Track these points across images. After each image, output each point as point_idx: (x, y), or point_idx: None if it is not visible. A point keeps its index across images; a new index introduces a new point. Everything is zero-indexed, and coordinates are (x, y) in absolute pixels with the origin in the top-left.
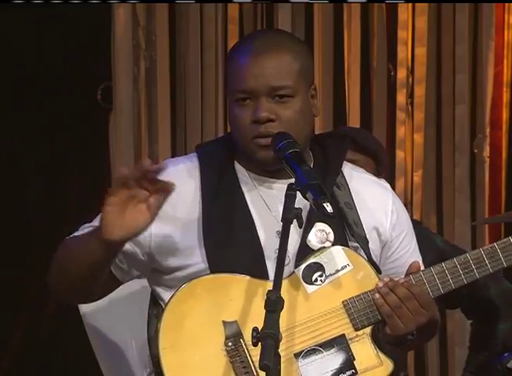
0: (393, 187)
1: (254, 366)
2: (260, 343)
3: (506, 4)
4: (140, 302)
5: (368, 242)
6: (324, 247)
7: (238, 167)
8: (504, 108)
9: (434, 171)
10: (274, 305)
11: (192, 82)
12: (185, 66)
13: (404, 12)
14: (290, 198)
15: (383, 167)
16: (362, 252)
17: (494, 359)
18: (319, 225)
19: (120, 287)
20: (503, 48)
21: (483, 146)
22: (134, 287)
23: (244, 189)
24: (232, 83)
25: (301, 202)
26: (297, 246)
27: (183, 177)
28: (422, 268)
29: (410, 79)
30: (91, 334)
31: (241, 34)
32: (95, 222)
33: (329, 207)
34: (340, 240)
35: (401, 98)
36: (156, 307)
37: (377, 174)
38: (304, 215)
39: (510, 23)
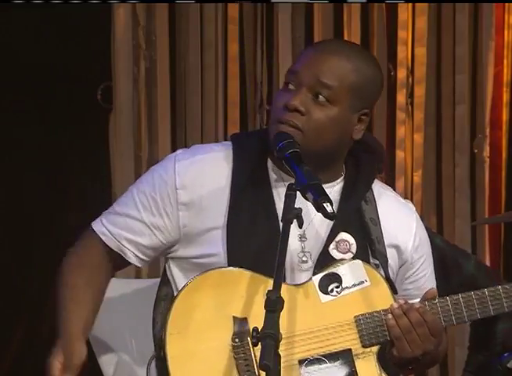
0: (393, 187)
1: (257, 365)
2: (260, 343)
3: (506, 4)
4: (140, 302)
5: (387, 260)
6: (344, 259)
7: (270, 164)
8: (504, 108)
9: (434, 171)
10: (274, 305)
11: (192, 82)
12: (185, 66)
13: (404, 12)
14: (290, 198)
15: (383, 165)
16: (382, 271)
17: (494, 359)
18: (343, 235)
19: (120, 287)
20: (503, 48)
21: (483, 146)
22: (134, 287)
23: (273, 186)
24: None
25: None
26: (319, 251)
27: (214, 166)
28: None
29: (410, 79)
30: (91, 334)
31: (241, 34)
32: (126, 209)
33: (329, 208)
34: (362, 253)
35: (401, 98)
36: (165, 288)
37: (378, 172)
38: (330, 222)
39: (510, 23)
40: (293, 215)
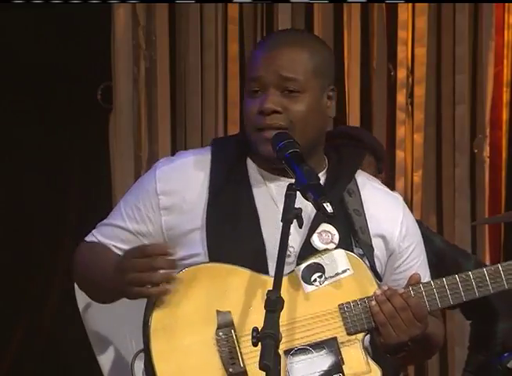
0: (393, 187)
1: (241, 357)
2: (260, 343)
3: (506, 4)
4: (140, 302)
5: (373, 250)
6: (327, 249)
7: (250, 163)
8: (504, 108)
9: (434, 171)
10: (274, 305)
11: (192, 82)
12: (185, 66)
13: (404, 12)
14: (290, 198)
15: (383, 164)
16: (366, 259)
17: (494, 359)
18: (325, 226)
19: None
20: (503, 48)
21: (483, 146)
22: None
23: (253, 185)
24: (247, 73)
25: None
26: (301, 245)
27: (193, 168)
28: (426, 280)
29: (410, 79)
30: (90, 333)
31: (241, 34)
32: (114, 220)
33: (329, 207)
34: (344, 243)
35: (401, 98)
36: None
37: (378, 171)
38: (311, 215)
39: (510, 23)
40: (293, 215)
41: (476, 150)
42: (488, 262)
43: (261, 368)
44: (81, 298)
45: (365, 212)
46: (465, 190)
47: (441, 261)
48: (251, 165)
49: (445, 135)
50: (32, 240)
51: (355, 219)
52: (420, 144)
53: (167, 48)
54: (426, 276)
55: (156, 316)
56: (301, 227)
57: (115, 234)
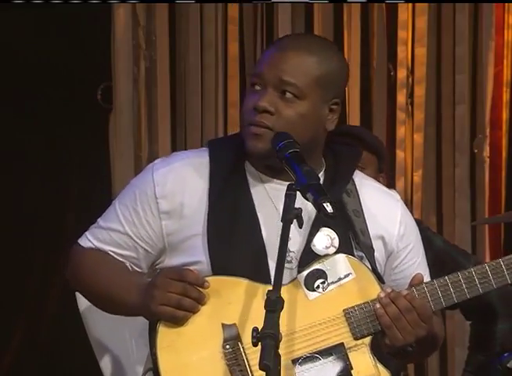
0: (393, 187)
1: (250, 369)
2: (260, 343)
3: (506, 4)
4: None
5: (374, 251)
6: (328, 254)
7: (248, 167)
8: (504, 108)
9: (434, 171)
10: (274, 305)
11: (192, 82)
12: (185, 66)
13: (404, 12)
14: (289, 198)
15: (384, 163)
16: (367, 262)
17: (494, 359)
18: (325, 230)
19: None
20: (503, 48)
21: (483, 146)
22: None
23: (252, 189)
24: (253, 68)
25: (310, 206)
26: (302, 249)
27: (192, 172)
28: (427, 280)
29: (410, 79)
30: (91, 334)
31: (241, 34)
32: (110, 223)
33: (329, 208)
34: (345, 246)
35: (401, 98)
36: None
37: (379, 170)
38: (311, 218)
39: (510, 23)
40: (293, 215)
41: (476, 150)
42: None
43: (261, 368)
44: (82, 299)
45: (365, 213)
46: (465, 190)
47: (442, 261)
48: (249, 169)
49: (445, 135)
50: (32, 240)
51: (354, 221)
52: (420, 144)
53: (167, 48)
54: (425, 275)
55: (162, 333)
56: (301, 227)
57: (112, 239)
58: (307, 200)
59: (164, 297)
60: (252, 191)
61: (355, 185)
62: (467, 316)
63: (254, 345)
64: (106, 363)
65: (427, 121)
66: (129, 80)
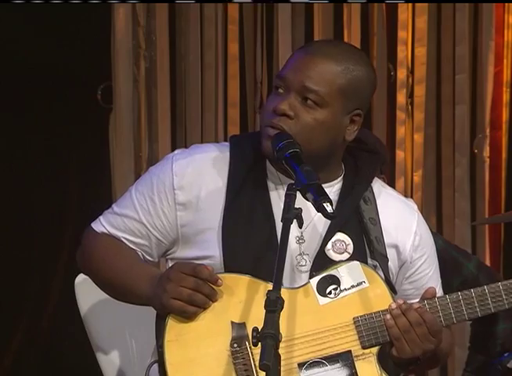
0: (393, 187)
1: (256, 370)
2: (260, 343)
3: (506, 4)
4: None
5: (388, 260)
6: (342, 260)
7: (269, 165)
8: (504, 108)
9: (434, 171)
10: (274, 305)
11: (192, 82)
12: (185, 66)
13: (404, 12)
14: (290, 198)
15: (385, 165)
16: (381, 271)
17: (494, 359)
18: (340, 235)
19: None
20: (503, 48)
21: (483, 146)
22: None
23: (271, 188)
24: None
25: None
26: (315, 253)
27: (211, 166)
28: (439, 293)
29: (410, 79)
30: (91, 335)
31: (241, 34)
32: (124, 210)
33: (329, 208)
34: (359, 253)
35: (401, 98)
36: None
37: (380, 172)
38: (327, 222)
39: (510, 23)
40: (293, 214)
41: (476, 150)
42: (488, 262)
43: (260, 368)
44: (82, 298)
45: (381, 221)
46: (465, 190)
47: (442, 261)
48: (269, 168)
49: (445, 135)
50: (32, 240)
51: (370, 229)
52: (420, 144)
53: (167, 48)
54: (437, 287)
55: (171, 326)
56: (300, 227)
57: (126, 226)
58: (307, 200)
59: (176, 291)
60: (270, 191)
61: (373, 192)
62: None
63: (254, 344)
64: (106, 364)
65: (427, 121)
66: (129, 80)
